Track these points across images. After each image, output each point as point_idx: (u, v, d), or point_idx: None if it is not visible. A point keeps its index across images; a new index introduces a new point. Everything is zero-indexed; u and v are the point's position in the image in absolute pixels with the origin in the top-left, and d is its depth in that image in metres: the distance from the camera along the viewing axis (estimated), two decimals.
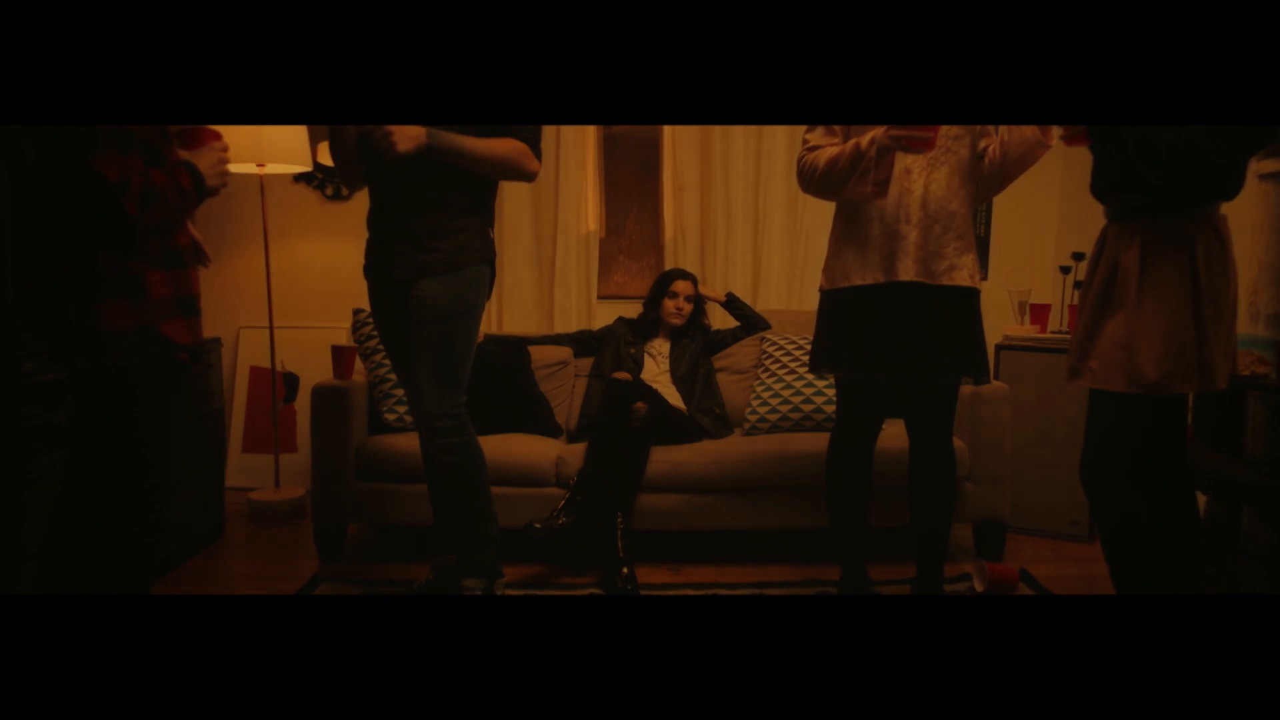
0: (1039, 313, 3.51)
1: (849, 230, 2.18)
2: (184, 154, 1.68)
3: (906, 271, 2.09)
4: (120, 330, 1.60)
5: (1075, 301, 3.42)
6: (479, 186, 2.25)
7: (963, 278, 2.14)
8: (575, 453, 2.86)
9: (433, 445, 2.24)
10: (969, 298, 2.18)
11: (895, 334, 2.13)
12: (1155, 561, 1.88)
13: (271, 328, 3.50)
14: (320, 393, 2.88)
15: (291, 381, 3.77)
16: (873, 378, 2.18)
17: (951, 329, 2.15)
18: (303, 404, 3.76)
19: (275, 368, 3.54)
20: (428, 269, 2.18)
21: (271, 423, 3.64)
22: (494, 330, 3.73)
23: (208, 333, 3.92)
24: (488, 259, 2.27)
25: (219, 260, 3.95)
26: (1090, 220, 3.61)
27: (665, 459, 2.84)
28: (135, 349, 1.62)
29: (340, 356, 3.00)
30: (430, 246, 2.18)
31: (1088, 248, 3.44)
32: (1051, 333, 3.46)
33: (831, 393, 3.05)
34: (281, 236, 3.88)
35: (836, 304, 2.22)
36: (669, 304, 3.33)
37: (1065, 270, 3.50)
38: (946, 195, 2.12)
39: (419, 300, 2.18)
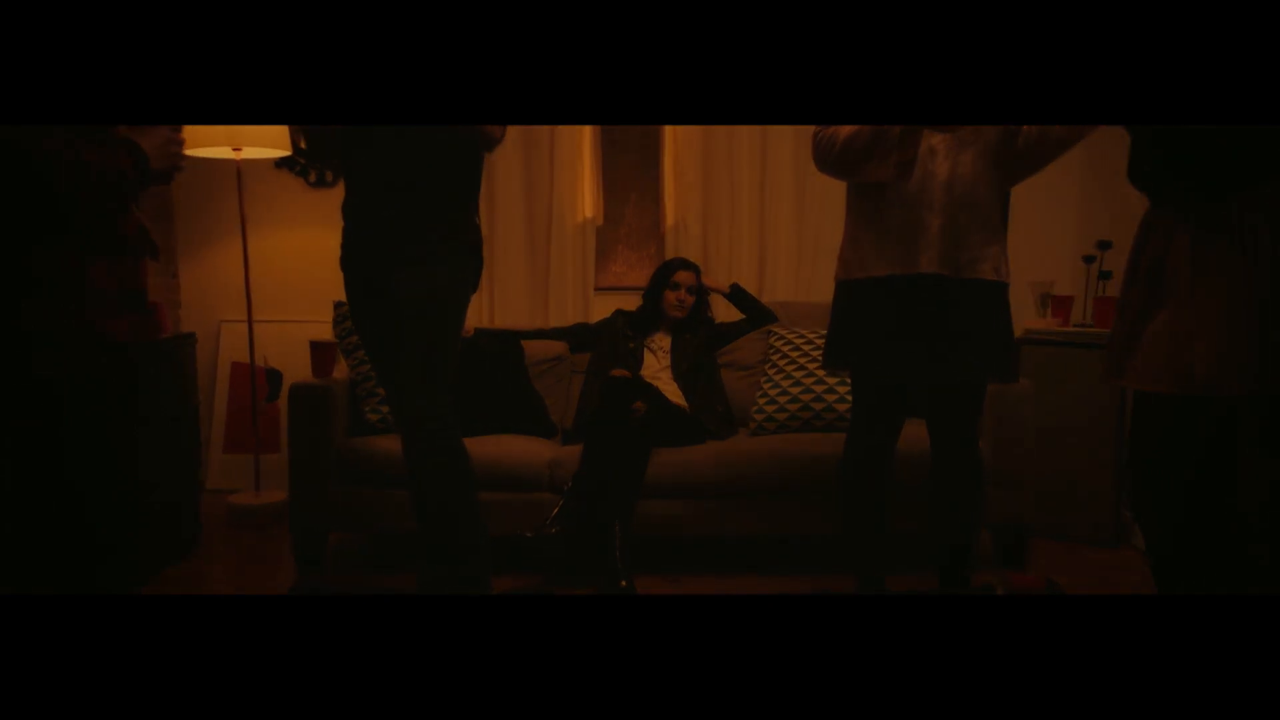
0: (1061, 305, 3.34)
1: (866, 216, 2.01)
2: (126, 131, 1.51)
3: (929, 263, 1.93)
4: (56, 328, 1.42)
5: (1101, 293, 3.27)
6: (465, 167, 2.08)
7: (988, 271, 1.99)
8: (570, 455, 2.69)
9: (414, 449, 2.07)
10: (995, 292, 2.03)
11: (916, 329, 1.97)
12: (1211, 587, 1.71)
13: (250, 322, 3.33)
14: (298, 392, 2.71)
15: (275, 378, 3.62)
16: (892, 376, 2.02)
17: (976, 325, 2.00)
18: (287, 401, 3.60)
19: (255, 363, 3.37)
20: (408, 258, 2.01)
21: (255, 423, 3.46)
22: (485, 324, 3.56)
23: (186, 327, 3.78)
24: (474, 246, 2.10)
25: (198, 251, 3.80)
26: (1115, 205, 3.47)
27: (666, 461, 2.67)
28: (73, 349, 1.44)
29: (320, 353, 2.83)
30: (411, 233, 2.02)
31: (1112, 234, 3.33)
32: (1074, 326, 3.31)
33: (844, 390, 2.88)
34: (262, 225, 3.71)
35: (852, 296, 2.05)
36: (670, 295, 3.16)
37: (1089, 260, 3.32)
38: (973, 179, 1.95)
39: (399, 292, 2.02)
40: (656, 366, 3.14)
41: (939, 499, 2.18)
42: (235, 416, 3.79)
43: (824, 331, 3.08)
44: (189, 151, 3.26)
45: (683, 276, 3.19)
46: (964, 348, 1.98)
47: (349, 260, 2.15)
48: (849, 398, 2.87)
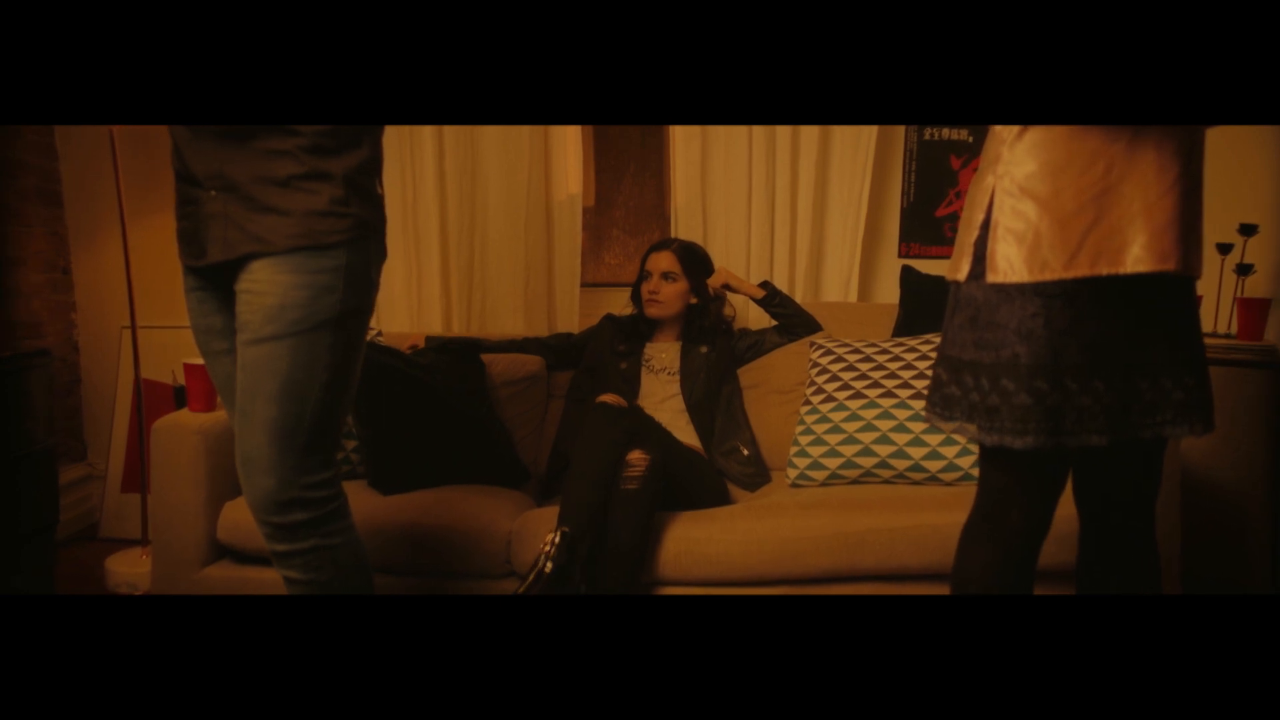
0: None
1: (1050, 183, 1.27)
2: None
3: (1162, 257, 1.24)
4: None
5: (1241, 293, 2.56)
6: None
7: (1199, 265, 1.32)
8: (543, 521, 1.93)
9: (272, 554, 1.32)
10: (1195, 299, 1.38)
11: (1127, 361, 1.28)
12: None
13: (134, 328, 2.69)
14: (161, 434, 1.97)
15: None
16: (1092, 435, 1.29)
17: (1190, 348, 1.34)
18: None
19: (139, 378, 2.69)
20: (263, 244, 1.29)
21: (143, 458, 2.74)
22: (437, 331, 2.86)
23: (84, 336, 3.11)
24: (369, 229, 1.37)
25: (94, 242, 3.14)
26: (1260, 177, 2.72)
27: (679, 535, 1.92)
28: None
29: (198, 378, 2.09)
30: (269, 205, 1.29)
31: (1257, 215, 2.58)
32: (1206, 336, 2.56)
33: (919, 428, 2.12)
34: (153, 209, 3.03)
35: (1019, 306, 1.29)
36: (642, 289, 2.49)
37: (1225, 249, 2.58)
38: (1199, 142, 1.32)
39: (248, 297, 1.30)
40: (660, 394, 2.39)
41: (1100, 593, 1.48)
42: (137, 448, 3.07)
43: (884, 345, 2.36)
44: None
45: (656, 261, 2.48)
46: (1174, 382, 1.32)
47: (181, 240, 1.42)
48: (927, 439, 2.12)
